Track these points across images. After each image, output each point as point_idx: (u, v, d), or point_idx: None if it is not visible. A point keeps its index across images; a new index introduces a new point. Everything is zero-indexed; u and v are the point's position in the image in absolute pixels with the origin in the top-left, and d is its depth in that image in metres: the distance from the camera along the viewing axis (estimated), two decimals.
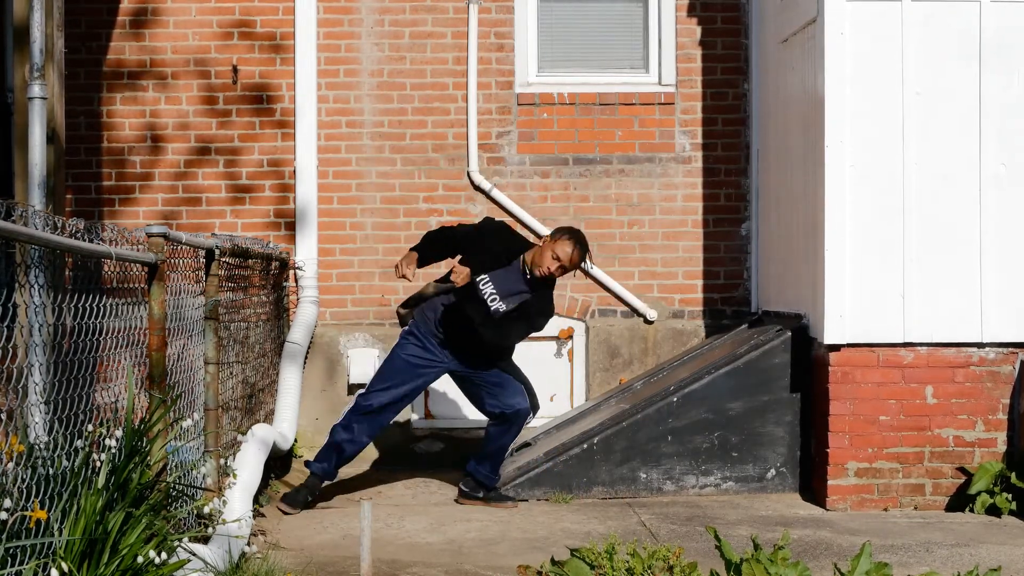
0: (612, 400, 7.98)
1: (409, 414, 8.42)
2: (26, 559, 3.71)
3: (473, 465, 7.07)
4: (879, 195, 6.95)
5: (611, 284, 8.61)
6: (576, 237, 6.91)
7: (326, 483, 7.03)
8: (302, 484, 6.96)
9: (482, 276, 6.77)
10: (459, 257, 6.88)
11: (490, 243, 6.86)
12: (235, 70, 8.57)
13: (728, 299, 8.70)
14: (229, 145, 8.59)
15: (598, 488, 7.30)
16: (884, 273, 6.94)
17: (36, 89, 5.97)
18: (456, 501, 7.12)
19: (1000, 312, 6.94)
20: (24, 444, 3.95)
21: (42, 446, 4.09)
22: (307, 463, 7.01)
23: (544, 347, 8.57)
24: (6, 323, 3.73)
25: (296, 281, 8.52)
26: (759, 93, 8.55)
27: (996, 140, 6.96)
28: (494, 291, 6.76)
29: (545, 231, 8.57)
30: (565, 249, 6.83)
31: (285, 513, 6.70)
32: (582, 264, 7.00)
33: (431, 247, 6.94)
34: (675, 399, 7.34)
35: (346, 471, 8.21)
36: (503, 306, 6.77)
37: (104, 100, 8.56)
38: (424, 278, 7.29)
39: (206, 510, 5.24)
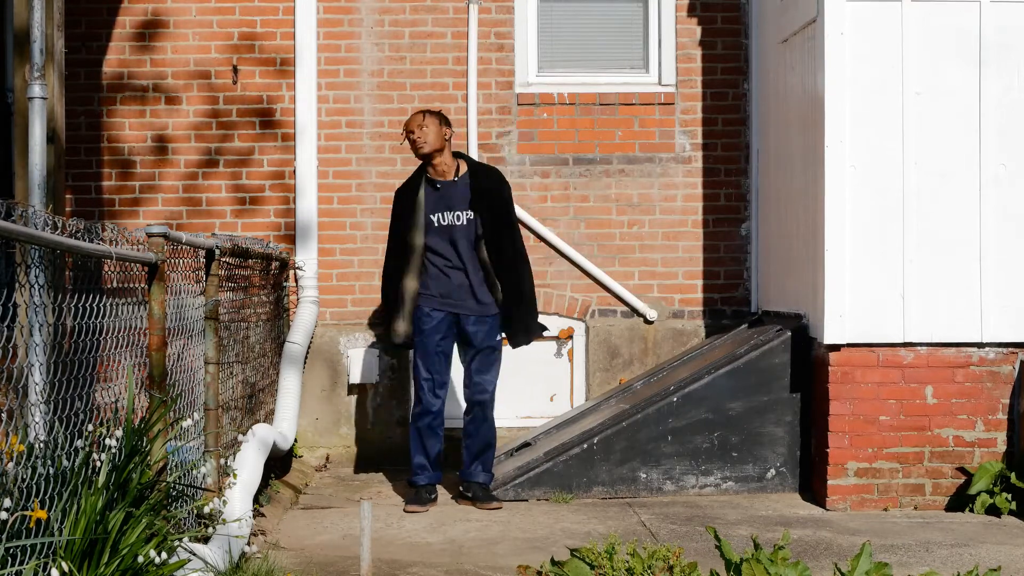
0: (612, 400, 7.98)
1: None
2: (26, 559, 3.71)
3: (467, 471, 7.11)
4: (879, 195, 6.96)
5: (611, 284, 8.61)
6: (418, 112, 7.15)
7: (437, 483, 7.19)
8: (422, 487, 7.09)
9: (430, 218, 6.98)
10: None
11: (406, 210, 7.06)
12: (235, 70, 8.58)
13: (728, 299, 8.70)
14: (229, 145, 8.59)
15: (598, 488, 7.30)
16: (884, 273, 6.94)
17: (36, 89, 5.97)
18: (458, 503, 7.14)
19: (1000, 312, 6.94)
20: (24, 444, 3.95)
21: (42, 446, 4.10)
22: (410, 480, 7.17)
23: (544, 347, 8.57)
24: (6, 323, 3.73)
25: (296, 281, 8.52)
26: (759, 93, 8.55)
27: (996, 140, 6.96)
28: (444, 214, 6.98)
29: (545, 231, 8.60)
30: (411, 121, 7.04)
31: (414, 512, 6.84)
32: (440, 122, 7.04)
33: (394, 289, 7.11)
34: (675, 399, 7.34)
35: (346, 471, 8.23)
36: (463, 214, 6.98)
37: (104, 100, 8.56)
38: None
39: (206, 510, 5.24)
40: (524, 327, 7.10)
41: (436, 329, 6.98)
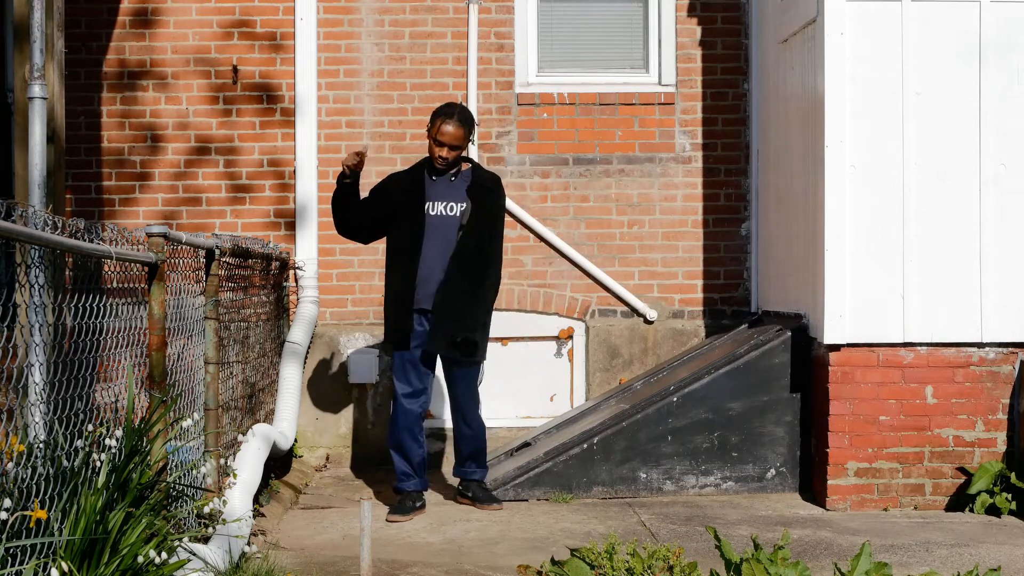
0: (612, 400, 7.98)
1: None
2: (26, 559, 3.72)
3: (462, 469, 7.06)
4: (879, 195, 6.96)
5: (611, 284, 8.61)
6: (449, 111, 6.74)
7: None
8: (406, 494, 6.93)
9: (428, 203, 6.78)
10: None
11: (397, 186, 6.87)
12: (235, 70, 8.58)
13: (728, 299, 8.70)
14: (229, 145, 8.59)
15: (598, 488, 7.30)
16: (884, 273, 6.95)
17: (36, 89, 5.97)
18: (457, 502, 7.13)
19: (1000, 312, 6.94)
20: (24, 444, 3.95)
21: (42, 446, 4.10)
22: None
23: (544, 347, 8.58)
24: (6, 323, 3.73)
25: (296, 281, 8.52)
26: (759, 93, 8.55)
27: (996, 140, 6.96)
28: (443, 202, 6.77)
29: (545, 231, 8.60)
30: (445, 130, 6.68)
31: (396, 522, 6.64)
32: (469, 136, 6.79)
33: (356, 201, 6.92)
34: (675, 399, 7.34)
35: (346, 471, 8.23)
36: (459, 206, 6.76)
37: (104, 100, 8.57)
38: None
39: (206, 510, 5.24)
40: (460, 326, 6.71)
41: (415, 332, 6.79)
